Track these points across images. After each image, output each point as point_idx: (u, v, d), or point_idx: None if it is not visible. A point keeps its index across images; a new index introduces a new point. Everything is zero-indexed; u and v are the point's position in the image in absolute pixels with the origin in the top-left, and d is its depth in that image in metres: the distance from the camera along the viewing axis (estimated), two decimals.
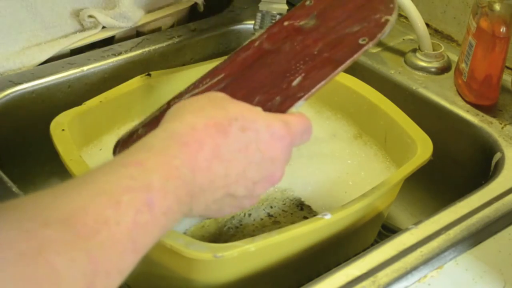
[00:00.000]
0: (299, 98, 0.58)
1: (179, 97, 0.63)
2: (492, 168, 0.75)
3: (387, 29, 0.60)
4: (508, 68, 0.87)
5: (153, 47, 0.91)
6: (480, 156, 0.80)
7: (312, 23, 0.64)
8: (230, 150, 0.48)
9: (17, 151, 0.84)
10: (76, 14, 0.92)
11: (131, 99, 0.81)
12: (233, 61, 0.64)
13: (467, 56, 0.81)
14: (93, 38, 0.91)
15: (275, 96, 0.58)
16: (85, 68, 0.86)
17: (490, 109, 0.82)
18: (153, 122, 0.62)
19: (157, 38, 0.93)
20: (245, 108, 0.51)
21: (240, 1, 1.03)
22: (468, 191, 0.69)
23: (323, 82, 0.59)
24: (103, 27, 0.92)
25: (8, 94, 0.81)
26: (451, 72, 0.89)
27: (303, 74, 0.60)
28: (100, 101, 0.77)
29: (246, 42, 0.65)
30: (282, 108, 0.57)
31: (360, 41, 0.60)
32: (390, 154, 0.78)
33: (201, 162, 0.46)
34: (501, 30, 0.78)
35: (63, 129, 0.71)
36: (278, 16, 0.79)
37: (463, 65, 0.83)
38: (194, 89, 0.63)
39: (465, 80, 0.83)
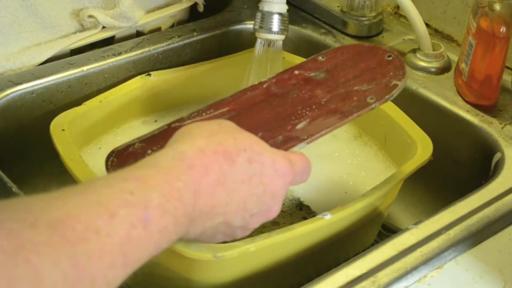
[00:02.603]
0: (302, 140, 0.60)
1: (180, 121, 0.64)
2: (492, 168, 0.75)
3: (395, 92, 0.63)
4: (508, 68, 0.87)
5: (153, 47, 0.91)
6: (480, 156, 0.80)
7: (322, 76, 0.66)
8: (235, 179, 0.48)
9: (17, 151, 0.84)
10: (76, 14, 0.92)
11: (131, 99, 0.81)
12: (239, 97, 0.65)
13: (467, 56, 0.81)
14: (93, 38, 0.91)
15: (278, 135, 0.60)
16: (85, 68, 0.86)
17: (490, 109, 0.82)
18: (151, 139, 0.63)
19: (157, 38, 0.93)
20: (254, 141, 0.51)
21: (240, 1, 1.03)
22: (468, 191, 0.69)
23: (328, 129, 0.61)
24: (103, 27, 0.92)
25: (8, 94, 0.81)
26: (451, 72, 0.89)
27: (308, 120, 0.62)
28: (100, 101, 0.77)
29: (258, 82, 0.67)
30: (284, 146, 0.59)
31: (368, 99, 0.63)
32: (390, 154, 0.78)
33: (205, 187, 0.46)
34: (501, 30, 0.78)
35: (63, 129, 0.71)
36: (277, 16, 0.78)
37: (463, 65, 0.83)
38: (196, 117, 0.64)
39: (465, 80, 0.83)
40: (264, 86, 0.66)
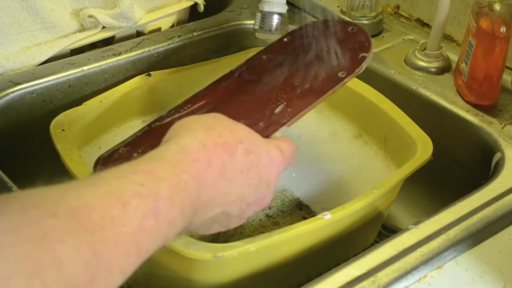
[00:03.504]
0: (283, 124, 0.61)
1: (159, 120, 0.64)
2: (492, 168, 0.75)
3: (364, 64, 0.65)
4: (508, 68, 0.87)
5: (153, 47, 0.91)
6: (480, 156, 0.80)
7: (290, 58, 0.66)
8: (234, 170, 0.50)
9: (17, 151, 0.84)
10: (76, 14, 0.92)
11: (131, 99, 0.81)
12: (213, 89, 0.66)
13: (467, 56, 0.81)
14: (93, 38, 0.91)
15: (259, 122, 0.61)
16: (85, 68, 0.86)
17: (490, 109, 0.82)
18: (134, 142, 0.63)
19: (157, 38, 0.93)
20: (248, 132, 0.53)
21: (240, 1, 1.03)
22: (468, 191, 0.69)
23: (306, 110, 0.63)
24: (103, 27, 0.92)
25: (8, 94, 0.81)
26: (451, 72, 0.89)
27: (285, 103, 0.63)
28: (100, 101, 0.77)
29: (229, 71, 0.67)
30: (266, 132, 0.60)
31: (340, 74, 0.64)
32: (390, 154, 0.78)
33: (208, 179, 0.48)
34: (501, 30, 0.78)
35: (63, 129, 0.71)
36: (276, 16, 0.79)
37: (463, 65, 0.83)
38: (175, 113, 0.64)
39: (465, 80, 0.83)
40: (236, 74, 0.67)
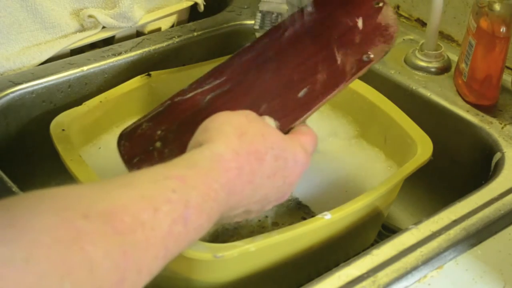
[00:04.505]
0: (307, 110, 0.60)
1: (181, 94, 0.63)
2: (492, 168, 0.75)
3: (391, 45, 0.62)
4: (508, 68, 0.87)
5: (153, 47, 0.91)
6: (480, 156, 0.80)
7: (314, 32, 0.64)
8: (262, 176, 0.52)
9: (17, 151, 0.84)
10: (76, 14, 0.92)
11: (131, 99, 0.81)
12: (234, 63, 0.64)
13: (467, 56, 0.81)
14: (93, 38, 0.91)
15: (282, 106, 0.59)
16: (85, 68, 0.86)
17: (490, 109, 0.82)
18: (157, 117, 0.62)
19: (157, 38, 0.93)
20: (279, 137, 0.54)
21: (240, 1, 1.03)
22: (468, 191, 0.69)
23: (329, 96, 0.61)
24: (103, 27, 0.92)
25: (8, 94, 0.81)
26: (451, 72, 0.89)
27: (308, 86, 0.61)
28: (100, 101, 0.77)
29: (249, 44, 0.65)
30: (290, 119, 0.59)
31: (364, 58, 0.62)
32: (390, 154, 0.78)
33: (237, 187, 0.49)
34: (501, 30, 0.78)
35: (63, 129, 0.71)
36: (277, 16, 0.78)
37: (463, 65, 0.83)
38: (197, 88, 0.63)
39: (465, 80, 0.83)
40: (259, 47, 0.64)
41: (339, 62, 0.62)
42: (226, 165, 0.48)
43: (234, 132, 0.51)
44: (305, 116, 0.59)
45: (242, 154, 0.50)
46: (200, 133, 0.53)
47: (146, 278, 0.41)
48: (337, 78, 0.61)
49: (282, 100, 0.60)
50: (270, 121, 0.58)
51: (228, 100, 0.62)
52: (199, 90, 0.63)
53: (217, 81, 0.63)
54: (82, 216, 0.37)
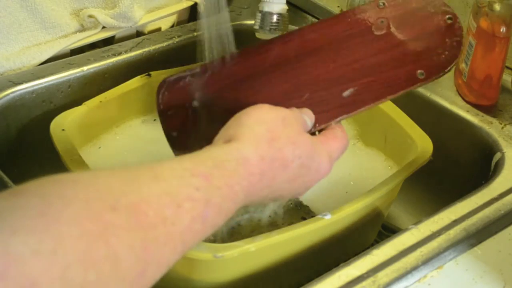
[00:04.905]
0: (348, 112, 0.59)
1: (231, 58, 0.62)
2: (492, 168, 0.75)
3: (449, 69, 0.60)
4: (508, 68, 0.87)
5: (153, 47, 0.91)
6: (480, 156, 0.80)
7: (379, 31, 0.61)
8: (282, 180, 0.53)
9: (17, 151, 0.84)
10: (76, 14, 0.92)
11: (131, 99, 0.81)
12: (284, 43, 0.62)
13: (467, 56, 0.81)
14: (93, 38, 0.91)
15: (324, 101, 0.58)
16: (85, 68, 0.86)
17: (490, 109, 0.82)
18: (201, 72, 0.62)
19: (157, 38, 0.93)
20: (309, 146, 0.55)
21: (240, 1, 1.03)
22: (468, 191, 0.69)
23: (372, 104, 0.59)
24: (103, 27, 0.92)
25: (8, 94, 0.81)
26: (451, 72, 0.88)
27: (356, 88, 0.59)
28: (100, 101, 0.77)
29: (306, 25, 0.62)
30: (327, 116, 0.58)
31: (419, 75, 0.60)
32: (390, 154, 0.78)
33: (256, 190, 0.51)
34: (501, 30, 0.78)
35: (63, 129, 0.71)
36: (276, 16, 0.78)
37: (463, 65, 0.83)
38: (245, 57, 0.62)
39: (465, 80, 0.83)
40: (306, 35, 0.61)
41: (392, 72, 0.60)
42: (250, 170, 0.50)
43: (266, 135, 0.52)
44: (343, 117, 0.59)
45: (267, 159, 0.51)
46: (232, 126, 0.53)
47: (164, 270, 0.42)
48: (386, 88, 0.59)
49: (325, 95, 0.59)
50: (307, 118, 0.58)
51: (271, 80, 0.61)
52: (244, 62, 0.62)
53: (263, 57, 0.62)
54: (110, 208, 0.39)
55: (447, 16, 0.61)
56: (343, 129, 0.60)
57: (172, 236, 0.42)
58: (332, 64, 0.61)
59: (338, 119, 0.59)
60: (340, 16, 0.63)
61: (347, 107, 0.59)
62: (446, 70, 0.60)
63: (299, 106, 0.58)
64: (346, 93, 0.59)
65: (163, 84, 0.62)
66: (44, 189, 0.39)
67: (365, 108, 0.59)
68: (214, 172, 0.47)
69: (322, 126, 0.59)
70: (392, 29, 0.61)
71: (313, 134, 0.58)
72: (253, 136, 0.52)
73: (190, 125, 0.63)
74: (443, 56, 0.60)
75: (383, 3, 0.62)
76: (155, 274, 0.41)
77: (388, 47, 0.61)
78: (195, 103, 0.62)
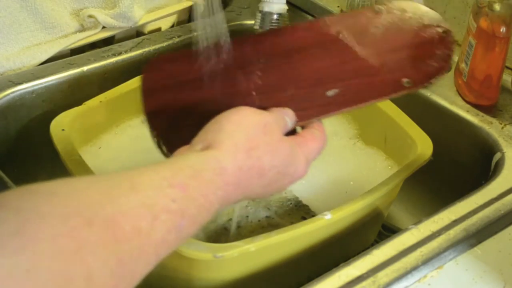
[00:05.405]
0: (328, 112, 0.59)
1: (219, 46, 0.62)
2: (492, 168, 0.75)
3: (434, 80, 0.59)
4: (508, 68, 0.87)
5: (153, 47, 0.91)
6: (480, 156, 0.80)
7: (357, 36, 0.61)
8: (258, 187, 0.53)
9: (17, 151, 0.84)
10: (76, 14, 0.92)
11: (131, 99, 0.81)
12: (271, 39, 0.62)
13: (467, 56, 0.81)
14: (93, 38, 0.91)
15: (307, 98, 0.58)
16: (85, 68, 0.86)
17: (490, 109, 0.82)
18: (189, 59, 0.62)
19: (157, 38, 0.93)
20: (287, 153, 0.54)
21: (240, 1, 1.03)
22: (468, 191, 0.69)
23: (354, 107, 0.59)
24: (103, 27, 0.92)
25: (8, 94, 0.81)
26: (451, 72, 0.89)
27: (340, 89, 0.59)
28: (100, 101, 0.77)
29: (304, 22, 0.63)
30: (309, 113, 0.58)
31: (405, 83, 0.60)
32: (390, 154, 0.78)
33: (231, 199, 0.51)
34: (501, 30, 0.78)
35: (63, 129, 0.71)
36: (276, 16, 0.78)
37: (463, 65, 0.83)
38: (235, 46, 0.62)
39: (465, 80, 0.83)
40: (304, 31, 0.62)
41: (378, 76, 0.60)
42: (227, 180, 0.49)
43: (245, 144, 0.52)
44: (324, 116, 0.59)
45: (244, 169, 0.51)
46: (212, 130, 0.53)
47: (137, 282, 0.42)
48: (370, 92, 0.60)
49: (309, 92, 0.59)
50: (288, 119, 0.57)
51: (258, 72, 0.61)
52: (234, 52, 0.62)
53: (253, 48, 0.62)
54: (86, 223, 0.39)
55: (441, 30, 0.61)
56: (322, 129, 0.59)
57: (146, 249, 0.42)
58: (320, 63, 0.61)
59: (320, 117, 0.59)
60: (335, 17, 0.63)
61: (329, 107, 0.59)
62: (431, 81, 0.60)
63: (283, 100, 0.59)
64: (330, 93, 0.59)
65: (148, 66, 0.62)
66: (20, 202, 0.38)
67: (346, 110, 0.60)
68: (191, 182, 0.47)
69: (303, 123, 0.59)
70: (385, 36, 0.62)
71: (293, 131, 0.58)
72: (232, 144, 0.51)
73: (174, 114, 0.62)
74: (432, 67, 0.60)
75: (380, 9, 0.63)
76: (129, 285, 0.41)
77: (378, 53, 0.61)
78: (179, 91, 0.61)
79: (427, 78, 0.59)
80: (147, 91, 0.62)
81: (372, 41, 0.62)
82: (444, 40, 0.61)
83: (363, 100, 0.60)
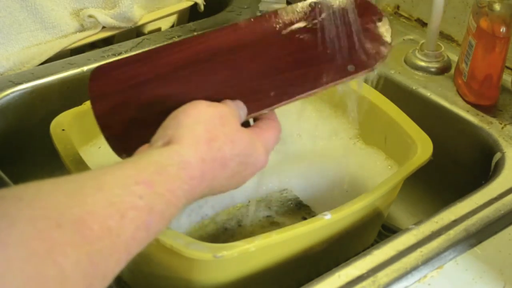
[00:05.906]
0: (277, 102, 0.60)
1: (167, 48, 0.63)
2: (492, 168, 0.75)
3: (377, 66, 0.62)
4: (508, 68, 0.87)
5: (153, 47, 0.91)
6: (480, 156, 0.80)
7: (305, 29, 0.64)
8: (222, 178, 0.53)
9: (17, 151, 0.84)
10: (76, 14, 0.92)
11: None
12: (221, 36, 0.64)
13: (467, 56, 0.81)
14: (93, 38, 0.92)
15: (257, 91, 0.60)
16: (85, 68, 0.86)
17: (490, 109, 0.82)
18: (137, 61, 0.63)
19: (157, 38, 0.93)
20: (246, 142, 0.55)
21: (240, 1, 1.03)
22: (468, 191, 0.69)
23: (303, 95, 0.61)
24: (103, 27, 0.92)
25: (8, 94, 0.81)
26: (451, 72, 0.89)
27: (289, 79, 0.62)
28: None
29: (240, 22, 0.65)
30: (259, 104, 0.60)
31: (349, 68, 0.62)
32: (390, 154, 0.78)
33: (197, 193, 0.51)
34: (501, 30, 0.78)
35: (63, 129, 0.71)
36: None
37: (463, 65, 0.83)
38: (180, 47, 0.63)
39: (465, 80, 0.83)
40: (245, 28, 0.64)
41: (323, 65, 0.62)
42: (191, 173, 0.50)
43: (204, 135, 0.52)
44: (274, 107, 0.60)
45: (208, 160, 0.51)
46: (171, 126, 0.53)
47: (110, 280, 0.42)
48: (318, 80, 0.62)
49: (258, 85, 0.61)
50: (241, 111, 0.58)
51: (208, 69, 0.62)
52: (181, 52, 0.63)
53: (201, 47, 0.63)
54: (55, 225, 0.39)
55: (376, 18, 0.64)
56: (275, 118, 0.61)
57: (117, 247, 0.42)
58: (265, 56, 0.63)
59: (271, 108, 0.60)
60: (275, 12, 0.66)
61: (279, 97, 0.61)
62: (374, 67, 0.62)
63: (233, 95, 0.60)
64: (278, 84, 0.61)
65: (94, 73, 0.63)
66: None
67: (296, 99, 0.61)
68: (156, 178, 0.47)
69: (255, 114, 0.60)
70: (325, 26, 0.64)
71: (247, 123, 0.60)
72: (192, 137, 0.52)
73: (127, 116, 0.63)
74: (372, 53, 0.63)
75: (315, 3, 0.65)
76: (103, 285, 0.41)
77: (320, 43, 0.63)
78: (130, 93, 0.62)
79: (370, 64, 0.62)
80: (96, 98, 0.63)
81: (313, 32, 0.64)
82: (381, 28, 0.64)
83: (311, 88, 0.62)
